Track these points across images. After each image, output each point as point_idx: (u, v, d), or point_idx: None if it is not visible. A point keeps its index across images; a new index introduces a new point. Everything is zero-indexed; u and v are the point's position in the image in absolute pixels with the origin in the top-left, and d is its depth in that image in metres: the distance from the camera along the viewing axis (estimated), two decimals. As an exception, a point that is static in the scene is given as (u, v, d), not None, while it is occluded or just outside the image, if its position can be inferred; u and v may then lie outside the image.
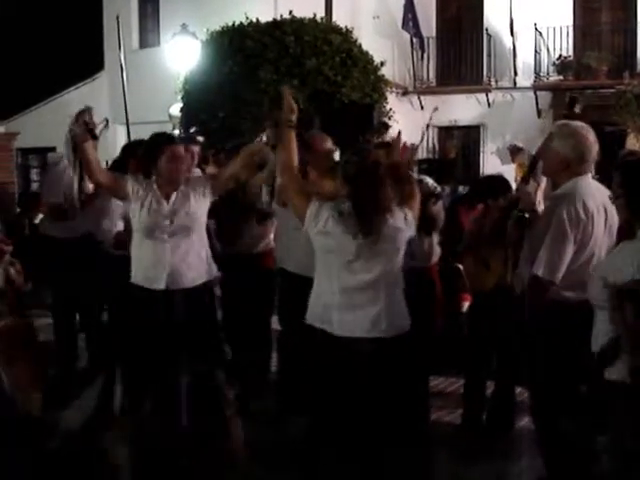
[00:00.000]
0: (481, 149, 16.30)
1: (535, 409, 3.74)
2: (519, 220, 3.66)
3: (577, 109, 4.26)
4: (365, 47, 11.07)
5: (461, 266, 5.19)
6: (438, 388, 5.38)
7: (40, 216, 9.35)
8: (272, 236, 5.03)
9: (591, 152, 3.45)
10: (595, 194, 3.42)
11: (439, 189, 4.74)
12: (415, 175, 4.56)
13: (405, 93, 16.31)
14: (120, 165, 5.35)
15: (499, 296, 4.29)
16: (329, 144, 4.44)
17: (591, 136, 3.47)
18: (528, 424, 4.47)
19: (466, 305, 5.33)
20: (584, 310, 3.07)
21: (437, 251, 4.67)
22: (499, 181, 4.75)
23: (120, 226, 4.94)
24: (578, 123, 3.53)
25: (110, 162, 6.24)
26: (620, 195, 2.92)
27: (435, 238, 4.62)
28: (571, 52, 15.25)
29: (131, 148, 5.24)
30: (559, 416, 3.41)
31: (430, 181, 4.62)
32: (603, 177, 3.60)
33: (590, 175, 3.49)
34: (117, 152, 8.89)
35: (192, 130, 9.62)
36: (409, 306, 3.29)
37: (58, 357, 5.73)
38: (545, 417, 3.57)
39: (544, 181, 4.59)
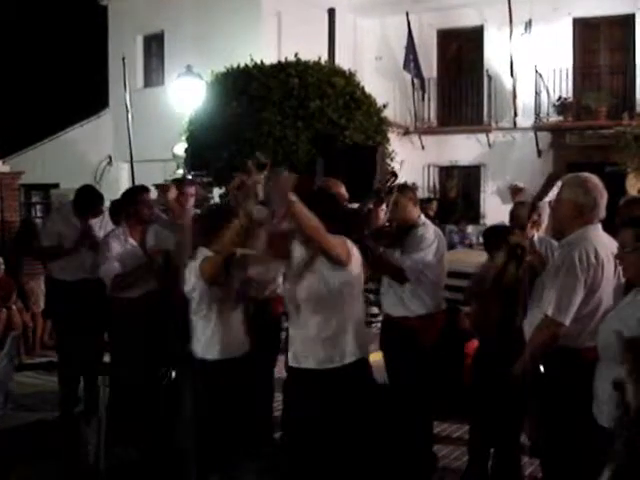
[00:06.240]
0: (482, 189, 16.37)
1: (544, 460, 3.71)
2: (516, 257, 3.84)
3: None
4: (367, 87, 11.15)
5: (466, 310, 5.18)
6: (444, 434, 5.32)
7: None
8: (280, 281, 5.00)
9: (602, 199, 3.48)
10: (605, 242, 3.44)
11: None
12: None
13: (406, 133, 16.44)
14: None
15: (504, 342, 4.27)
16: (343, 189, 4.50)
17: (600, 185, 3.51)
18: (535, 472, 4.45)
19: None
20: (590, 357, 3.07)
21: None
22: (501, 231, 4.73)
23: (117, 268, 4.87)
24: (586, 174, 3.56)
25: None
26: (635, 249, 2.83)
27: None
28: (571, 93, 15.38)
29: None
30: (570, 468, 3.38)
31: None
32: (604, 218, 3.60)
33: (600, 224, 3.51)
34: (120, 190, 8.96)
35: (198, 173, 9.65)
36: None
37: (60, 399, 5.71)
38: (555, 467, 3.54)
39: (545, 222, 4.63)
